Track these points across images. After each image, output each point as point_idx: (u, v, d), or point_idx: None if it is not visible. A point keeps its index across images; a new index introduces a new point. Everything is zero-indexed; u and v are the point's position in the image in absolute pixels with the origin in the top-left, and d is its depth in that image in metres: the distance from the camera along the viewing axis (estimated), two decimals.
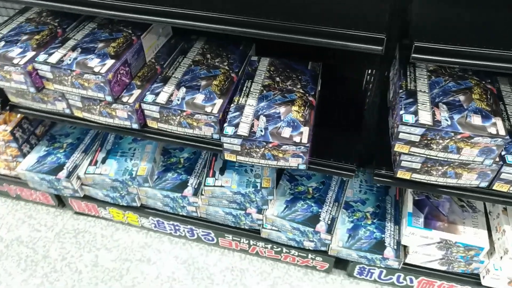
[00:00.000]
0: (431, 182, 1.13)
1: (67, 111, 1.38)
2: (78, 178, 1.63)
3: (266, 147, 1.16)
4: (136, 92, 1.28)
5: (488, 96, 1.09)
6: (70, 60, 1.21)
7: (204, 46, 1.46)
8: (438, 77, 1.14)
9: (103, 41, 1.28)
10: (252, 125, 1.17)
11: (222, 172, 1.50)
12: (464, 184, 1.12)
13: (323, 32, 0.92)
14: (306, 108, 1.22)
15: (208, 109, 1.21)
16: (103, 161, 1.62)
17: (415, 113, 1.03)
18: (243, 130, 1.16)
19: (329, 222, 1.44)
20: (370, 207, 1.53)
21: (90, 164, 1.62)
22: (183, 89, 1.27)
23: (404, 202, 1.49)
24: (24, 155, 1.72)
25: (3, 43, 1.29)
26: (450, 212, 1.39)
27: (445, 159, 1.05)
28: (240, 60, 1.40)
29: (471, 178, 1.10)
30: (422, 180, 1.14)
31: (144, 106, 1.26)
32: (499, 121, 1.02)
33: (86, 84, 1.21)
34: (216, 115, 1.20)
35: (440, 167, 1.09)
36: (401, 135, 1.03)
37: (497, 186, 1.11)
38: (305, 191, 1.55)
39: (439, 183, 1.13)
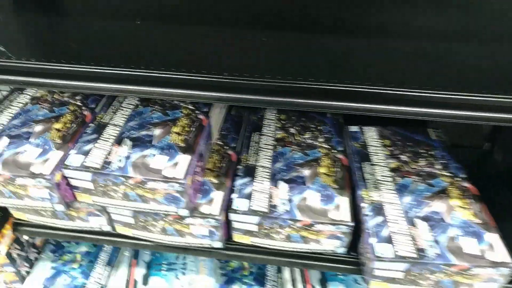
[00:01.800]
0: None
1: (106, 228, 0.94)
2: None
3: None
4: (217, 196, 0.87)
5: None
6: (120, 160, 0.80)
7: (280, 117, 1.09)
8: None
9: (158, 125, 0.88)
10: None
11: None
12: None
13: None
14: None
15: (335, 216, 0.83)
16: (145, 281, 1.16)
17: None
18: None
19: None
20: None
21: (127, 287, 1.16)
22: (283, 185, 0.88)
23: None
24: (22, 279, 1.22)
25: (7, 140, 0.85)
26: None
27: None
28: (336, 132, 1.03)
29: None
30: None
31: (234, 216, 0.85)
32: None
33: (149, 195, 0.79)
34: (350, 224, 0.82)
35: None
36: None
37: None
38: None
39: None
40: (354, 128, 1.03)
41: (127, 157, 0.80)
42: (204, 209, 0.84)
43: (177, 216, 0.84)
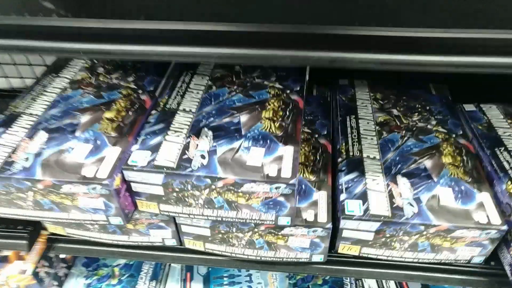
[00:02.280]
0: None
1: (170, 242, 0.73)
2: None
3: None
4: (321, 198, 0.67)
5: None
6: (203, 156, 0.59)
7: (375, 96, 0.87)
8: None
9: (243, 109, 0.67)
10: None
11: None
12: None
13: None
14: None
15: (481, 218, 0.63)
16: None
17: None
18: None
19: None
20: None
21: None
22: (404, 181, 0.68)
23: None
24: None
25: (45, 135, 0.64)
26: None
27: None
28: (449, 112, 0.82)
29: None
30: None
31: (347, 224, 0.65)
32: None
33: (242, 200, 0.58)
34: (503, 228, 0.62)
35: None
36: None
37: None
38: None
39: None
40: (470, 107, 0.83)
41: (211, 152, 0.59)
42: (308, 215, 0.64)
43: (272, 225, 0.64)
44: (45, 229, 0.78)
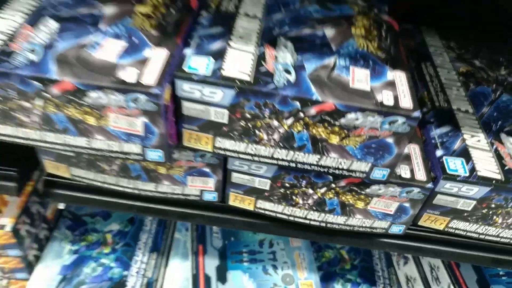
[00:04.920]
0: None
1: (210, 197, 0.56)
2: None
3: None
4: (414, 153, 0.52)
5: None
6: (289, 71, 0.42)
7: (449, 44, 0.73)
8: None
9: (325, 21, 0.51)
10: None
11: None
12: None
13: None
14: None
15: None
16: (222, 277, 0.80)
17: None
18: None
19: None
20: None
21: (196, 285, 0.79)
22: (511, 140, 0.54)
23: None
24: (29, 266, 0.83)
25: (54, 23, 0.45)
26: None
27: None
28: None
29: None
30: None
31: (448, 186, 0.50)
32: None
33: (335, 138, 0.43)
34: None
35: None
36: None
37: None
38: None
39: None
40: None
41: (299, 68, 0.43)
42: (403, 171, 0.49)
43: (358, 180, 0.48)
44: (38, 169, 0.59)
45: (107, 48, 0.42)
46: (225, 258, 0.82)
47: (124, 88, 0.39)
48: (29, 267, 0.83)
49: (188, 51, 0.43)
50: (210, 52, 0.43)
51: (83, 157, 0.51)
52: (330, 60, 0.45)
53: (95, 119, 0.42)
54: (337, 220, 0.54)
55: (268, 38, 0.46)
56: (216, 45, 0.44)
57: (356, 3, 0.55)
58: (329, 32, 0.49)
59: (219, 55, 0.43)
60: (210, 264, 0.81)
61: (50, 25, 0.44)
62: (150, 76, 0.40)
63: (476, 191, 0.50)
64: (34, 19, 0.45)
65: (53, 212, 0.91)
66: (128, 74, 0.40)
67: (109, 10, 0.48)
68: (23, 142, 0.45)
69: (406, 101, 0.41)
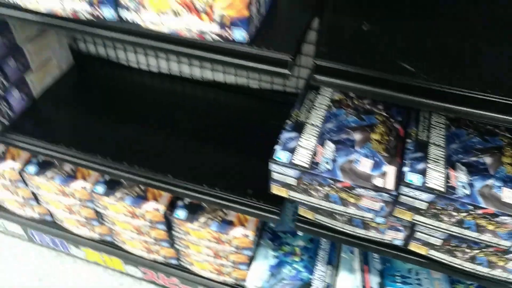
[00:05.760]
0: None
1: (397, 242, 0.93)
2: None
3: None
4: None
5: None
6: (466, 182, 0.76)
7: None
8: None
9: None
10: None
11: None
12: None
13: None
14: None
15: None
16: None
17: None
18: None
19: None
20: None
21: None
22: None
23: None
24: (249, 262, 1.28)
25: (331, 144, 0.86)
26: None
27: None
28: None
29: None
30: None
31: None
32: None
33: (501, 229, 0.75)
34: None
35: None
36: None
37: None
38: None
39: None
40: None
41: (470, 185, 0.77)
42: None
43: (503, 249, 0.80)
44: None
45: (363, 164, 0.81)
46: (384, 278, 1.18)
47: (376, 189, 0.77)
48: (249, 263, 1.28)
49: (405, 169, 0.80)
50: (418, 170, 0.80)
51: (328, 212, 0.92)
52: (490, 181, 0.78)
53: (354, 199, 0.81)
54: (482, 270, 0.86)
55: (450, 163, 0.81)
56: (421, 165, 0.81)
57: (505, 136, 0.87)
58: (487, 159, 0.82)
59: (423, 173, 0.79)
60: (373, 280, 1.17)
61: (329, 146, 0.85)
62: (390, 183, 0.78)
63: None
64: (320, 141, 0.86)
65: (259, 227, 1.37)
66: (377, 181, 0.78)
67: (357, 136, 0.87)
68: (310, 204, 0.87)
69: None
